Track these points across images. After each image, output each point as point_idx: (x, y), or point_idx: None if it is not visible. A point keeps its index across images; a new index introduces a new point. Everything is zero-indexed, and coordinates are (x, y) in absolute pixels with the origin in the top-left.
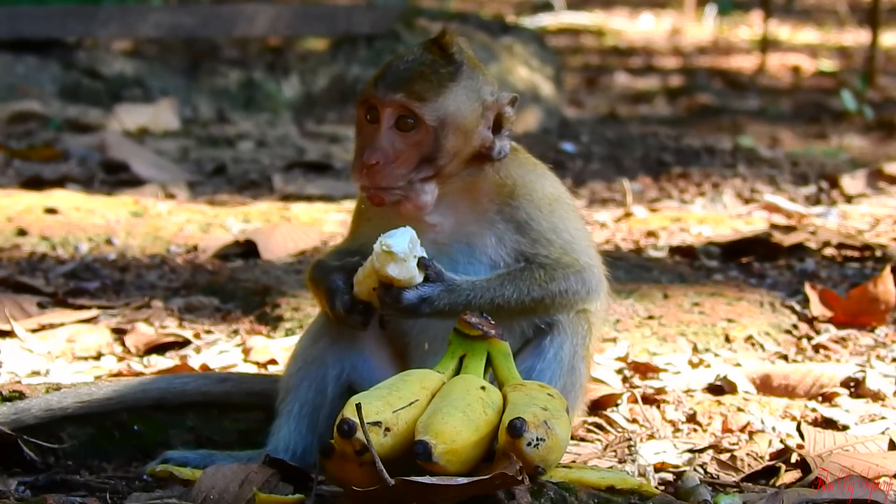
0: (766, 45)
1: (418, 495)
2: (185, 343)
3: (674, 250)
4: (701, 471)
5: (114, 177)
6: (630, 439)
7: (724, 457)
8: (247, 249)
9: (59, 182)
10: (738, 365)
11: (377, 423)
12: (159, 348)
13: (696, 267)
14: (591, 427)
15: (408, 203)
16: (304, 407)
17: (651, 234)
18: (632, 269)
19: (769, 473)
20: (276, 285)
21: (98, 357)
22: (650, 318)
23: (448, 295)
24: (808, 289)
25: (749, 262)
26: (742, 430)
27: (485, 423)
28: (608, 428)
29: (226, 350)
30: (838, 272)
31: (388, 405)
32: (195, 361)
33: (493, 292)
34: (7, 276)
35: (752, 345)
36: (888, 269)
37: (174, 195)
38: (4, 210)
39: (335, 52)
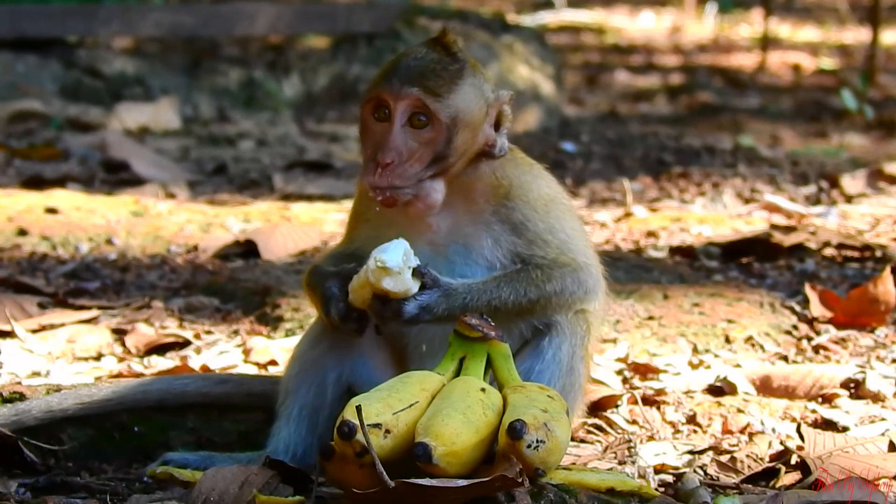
0: (767, 43)
1: (418, 497)
2: (186, 343)
3: (674, 250)
4: (701, 472)
5: (114, 176)
6: (630, 441)
7: (724, 458)
8: (247, 249)
9: (60, 181)
10: (738, 366)
11: (377, 425)
12: (159, 349)
13: (696, 267)
14: (591, 428)
15: (418, 203)
16: (303, 409)
17: (651, 234)
18: (632, 270)
19: (769, 475)
20: (277, 285)
21: (98, 358)
22: (650, 318)
23: (446, 300)
24: (808, 289)
25: (749, 262)
26: (742, 431)
27: (485, 424)
28: (608, 429)
29: (226, 351)
30: (838, 272)
31: (388, 407)
32: (195, 362)
33: (490, 294)
34: (7, 276)
35: (752, 345)
36: (888, 269)
37: (175, 195)
38: (5, 210)
39: (336, 51)
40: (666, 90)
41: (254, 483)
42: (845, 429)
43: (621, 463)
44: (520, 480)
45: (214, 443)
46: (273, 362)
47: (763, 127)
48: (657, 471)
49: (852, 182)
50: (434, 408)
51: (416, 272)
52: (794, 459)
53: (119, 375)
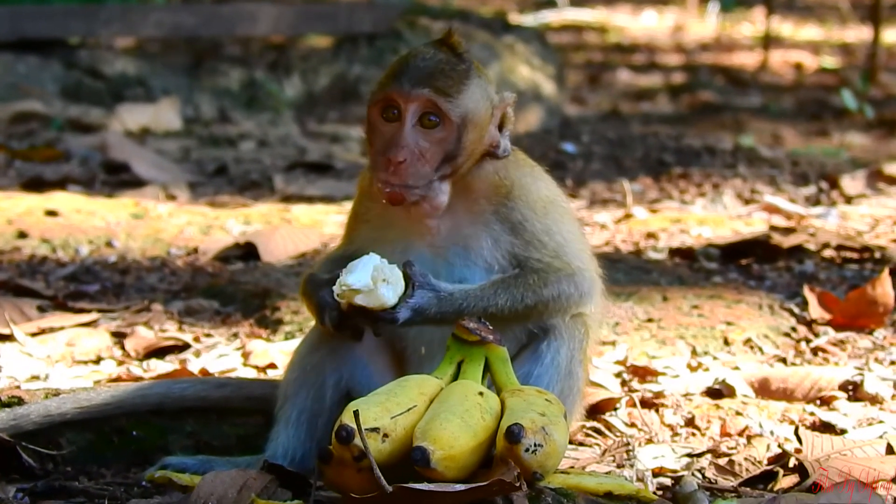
0: (769, 41)
1: (416, 501)
2: (185, 347)
3: (673, 252)
4: (699, 475)
5: (115, 177)
6: (628, 444)
7: (723, 461)
8: (247, 251)
9: (61, 183)
10: (737, 368)
11: (375, 430)
12: (159, 352)
13: (695, 269)
14: (590, 431)
15: (425, 203)
16: (302, 414)
17: (651, 235)
18: (631, 272)
19: (767, 478)
20: (276, 288)
21: (97, 361)
22: (649, 320)
23: (439, 303)
24: (806, 291)
25: (748, 263)
26: (740, 434)
27: (483, 428)
28: (606, 432)
29: (225, 354)
30: (837, 274)
31: (387, 411)
32: (194, 365)
33: (487, 301)
34: (7, 278)
35: (751, 348)
36: (886, 271)
37: (175, 196)
38: (5, 212)
39: (337, 51)
40: (668, 89)
41: (252, 487)
42: (843, 431)
43: (619, 466)
44: (517, 484)
45: (213, 447)
46: (272, 365)
47: (764, 126)
48: (655, 474)
49: (852, 183)
50: (432, 412)
51: (407, 275)
52: (792, 462)
53: (118, 379)
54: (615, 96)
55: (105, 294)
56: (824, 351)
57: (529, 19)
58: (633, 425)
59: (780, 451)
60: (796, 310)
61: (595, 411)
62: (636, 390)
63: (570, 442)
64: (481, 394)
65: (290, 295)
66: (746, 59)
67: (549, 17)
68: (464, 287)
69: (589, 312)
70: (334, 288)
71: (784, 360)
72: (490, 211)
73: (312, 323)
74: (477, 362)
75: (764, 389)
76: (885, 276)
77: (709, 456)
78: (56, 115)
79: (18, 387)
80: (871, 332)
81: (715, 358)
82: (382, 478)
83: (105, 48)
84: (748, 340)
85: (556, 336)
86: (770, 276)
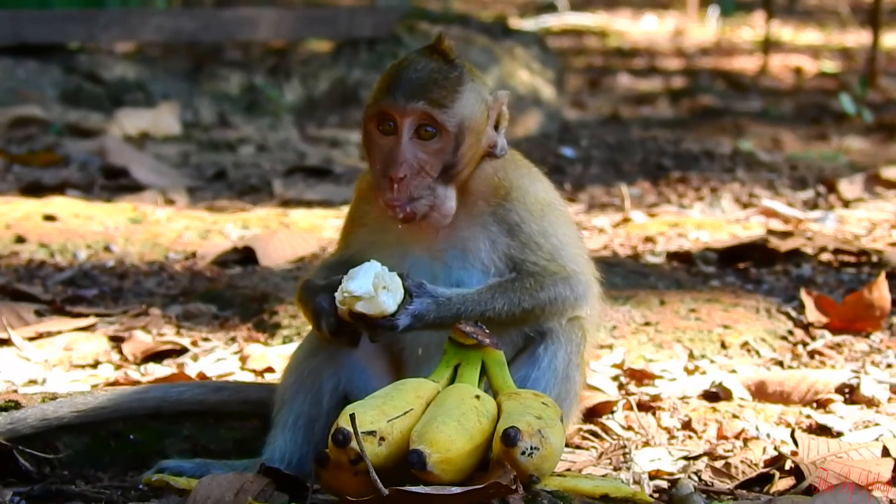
0: (769, 46)
1: None
2: (183, 351)
3: (671, 256)
4: (695, 478)
5: (114, 182)
6: (625, 447)
7: (719, 464)
8: (245, 256)
9: (59, 188)
10: (734, 371)
11: (372, 433)
12: (156, 356)
13: (692, 273)
14: (587, 434)
15: (434, 213)
16: (300, 418)
17: (649, 239)
18: (629, 276)
19: (763, 480)
20: (274, 292)
21: (95, 365)
22: (647, 324)
23: (437, 308)
24: (803, 295)
25: (746, 267)
26: (737, 436)
27: (479, 432)
28: (603, 435)
29: (223, 358)
30: (834, 278)
31: (383, 414)
32: (192, 369)
33: (484, 305)
34: (5, 283)
35: (748, 351)
36: (883, 274)
37: (174, 201)
38: (3, 217)
39: (337, 56)
40: (668, 93)
41: (249, 490)
42: (839, 434)
43: (616, 469)
44: (514, 487)
45: (210, 450)
46: (270, 369)
47: (764, 130)
48: (652, 477)
49: (850, 187)
50: (429, 415)
51: (404, 284)
52: (788, 465)
53: (115, 383)
54: (615, 101)
55: (103, 298)
56: (821, 354)
57: (530, 24)
58: (629, 428)
59: (776, 453)
60: (793, 313)
61: (592, 414)
62: (633, 393)
63: (567, 445)
64: (478, 397)
65: (288, 299)
66: (746, 64)
67: (550, 21)
68: (461, 292)
69: (586, 316)
70: (336, 295)
71: (781, 364)
72: (488, 212)
73: (310, 328)
74: (473, 366)
75: (760, 392)
76: (882, 279)
77: (705, 459)
78: (55, 120)
79: (16, 391)
80: (867, 336)
81: (712, 361)
82: (379, 481)
83: (105, 53)
84: (745, 344)
85: (553, 340)
86: (767, 280)
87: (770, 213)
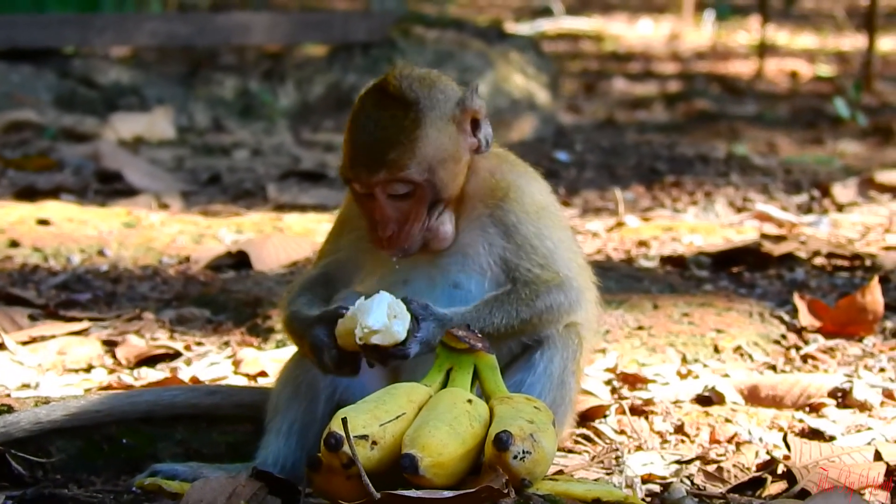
0: (764, 50)
1: None
2: (176, 355)
3: (665, 260)
4: (688, 482)
5: (108, 186)
6: (617, 450)
7: (711, 468)
8: (239, 260)
9: (54, 192)
10: (727, 375)
11: (364, 437)
12: (150, 360)
13: (686, 277)
14: (579, 438)
15: (434, 242)
16: (293, 424)
17: (642, 243)
18: (622, 280)
19: (755, 485)
20: (268, 297)
21: (88, 369)
22: (640, 328)
23: (442, 330)
24: (796, 299)
25: (739, 271)
26: (729, 440)
27: (471, 436)
28: (596, 439)
29: (216, 362)
30: (828, 281)
31: (375, 418)
32: (185, 374)
33: (484, 321)
34: None
35: (741, 355)
36: (876, 279)
37: (168, 205)
38: None
39: (331, 60)
40: (663, 97)
41: (241, 494)
42: (832, 438)
43: (608, 473)
44: (506, 491)
45: (203, 454)
46: (263, 374)
47: (759, 134)
48: (644, 480)
49: (843, 191)
50: (421, 419)
51: (409, 309)
52: (780, 469)
53: (109, 387)
54: (611, 105)
55: (96, 303)
56: (814, 358)
57: (525, 28)
58: (622, 432)
59: (768, 457)
60: (786, 317)
61: (585, 418)
62: (626, 397)
63: (560, 449)
64: (470, 401)
65: None
66: (742, 68)
67: (545, 25)
68: (461, 310)
69: (582, 321)
70: (356, 331)
71: (774, 368)
72: (486, 214)
73: None
74: (466, 370)
75: (753, 397)
76: (875, 283)
77: (698, 463)
78: (49, 125)
79: (9, 395)
80: (860, 340)
81: (705, 365)
82: (371, 485)
83: (99, 57)
84: (738, 348)
85: (549, 345)
86: (761, 284)
87: (764, 217)
